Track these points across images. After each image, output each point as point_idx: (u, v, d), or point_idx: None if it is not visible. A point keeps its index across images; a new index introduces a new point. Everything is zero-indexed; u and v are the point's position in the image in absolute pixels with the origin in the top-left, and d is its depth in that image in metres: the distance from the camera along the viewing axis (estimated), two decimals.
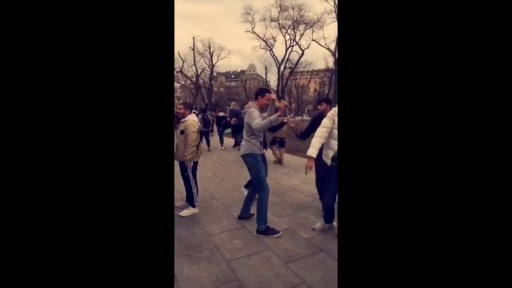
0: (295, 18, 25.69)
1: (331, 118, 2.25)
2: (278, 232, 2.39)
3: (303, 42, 28.30)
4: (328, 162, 2.27)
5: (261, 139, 2.51)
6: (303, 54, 26.73)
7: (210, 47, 29.47)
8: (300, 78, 37.71)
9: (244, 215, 2.71)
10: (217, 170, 4.96)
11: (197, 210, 2.92)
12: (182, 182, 2.89)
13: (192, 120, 2.82)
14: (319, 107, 3.05)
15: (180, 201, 3.14)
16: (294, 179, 4.30)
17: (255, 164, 2.42)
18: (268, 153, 4.26)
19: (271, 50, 27.76)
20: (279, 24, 26.23)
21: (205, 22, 67.04)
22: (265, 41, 27.47)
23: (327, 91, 30.92)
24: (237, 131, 6.86)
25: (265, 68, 31.92)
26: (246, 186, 3.32)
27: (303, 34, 26.46)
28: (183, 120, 2.84)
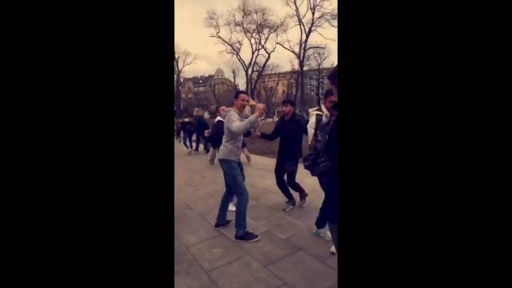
0: (259, 22, 26.20)
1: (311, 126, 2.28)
2: (257, 236, 2.39)
3: (269, 46, 28.82)
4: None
5: (239, 144, 2.52)
6: (269, 57, 27.32)
7: (174, 53, 28.75)
8: (268, 81, 38.38)
9: (221, 222, 2.67)
10: (190, 178, 4.83)
11: None
12: None
13: None
14: (284, 108, 3.12)
15: None
16: (268, 181, 4.33)
17: (230, 171, 2.42)
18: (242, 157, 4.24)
19: (237, 54, 27.94)
20: (243, 28, 26.54)
21: None
22: (231, 45, 27.58)
23: (294, 92, 31.83)
24: (209, 140, 6.88)
25: (233, 72, 32.01)
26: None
27: (267, 38, 27.08)
28: None
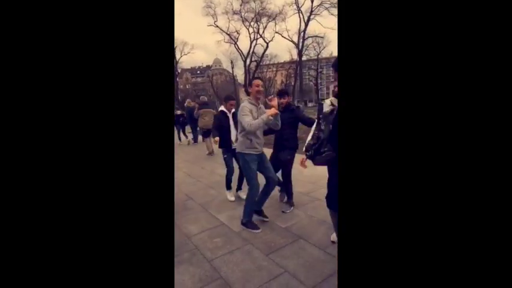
0: (257, 11, 25.68)
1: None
2: (258, 228, 2.41)
3: (267, 35, 28.54)
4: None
5: (253, 136, 2.32)
6: (267, 47, 26.94)
7: (174, 49, 28.34)
8: (266, 71, 37.97)
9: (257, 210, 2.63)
10: (190, 170, 4.85)
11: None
12: None
13: None
14: (282, 100, 2.86)
15: None
16: None
17: (242, 163, 2.40)
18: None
19: (235, 43, 27.52)
20: (241, 17, 26.04)
21: None
22: (229, 35, 27.14)
23: (293, 83, 31.59)
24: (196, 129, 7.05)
25: (231, 62, 31.61)
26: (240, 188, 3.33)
27: (266, 27, 26.64)
28: None
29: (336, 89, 2.06)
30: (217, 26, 26.79)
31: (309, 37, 27.81)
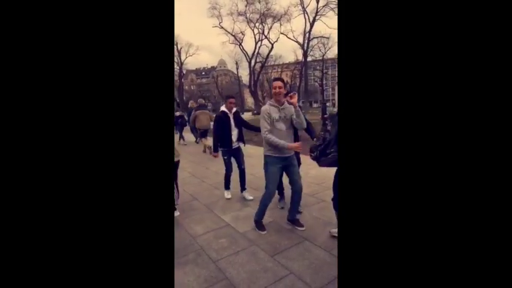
0: (262, 12, 25.70)
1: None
2: (264, 230, 2.40)
3: (272, 36, 28.40)
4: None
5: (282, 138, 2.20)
6: (272, 47, 26.90)
7: (177, 44, 28.54)
8: (271, 72, 37.99)
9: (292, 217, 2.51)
10: (195, 170, 4.86)
11: (178, 213, 2.85)
12: None
13: None
14: (292, 100, 2.75)
15: None
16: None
17: (263, 165, 2.35)
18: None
19: (240, 44, 27.58)
20: (246, 18, 26.09)
21: None
22: (233, 36, 27.20)
23: (298, 83, 31.51)
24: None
25: (236, 63, 31.75)
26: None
27: (271, 27, 26.61)
28: None
29: None
30: (222, 27, 26.91)
31: (314, 38, 27.72)
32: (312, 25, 25.59)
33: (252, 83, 27.45)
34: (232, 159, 3.29)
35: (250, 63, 27.92)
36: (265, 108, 2.25)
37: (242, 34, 27.17)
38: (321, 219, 2.57)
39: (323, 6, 24.60)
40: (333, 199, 1.70)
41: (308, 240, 2.19)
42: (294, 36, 27.22)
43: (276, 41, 26.90)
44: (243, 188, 3.32)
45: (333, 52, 31.24)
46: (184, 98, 30.50)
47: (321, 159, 1.69)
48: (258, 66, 28.81)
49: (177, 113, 8.35)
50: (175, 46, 28.20)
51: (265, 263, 1.91)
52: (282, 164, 2.30)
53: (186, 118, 7.94)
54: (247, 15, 25.97)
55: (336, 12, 24.70)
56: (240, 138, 3.29)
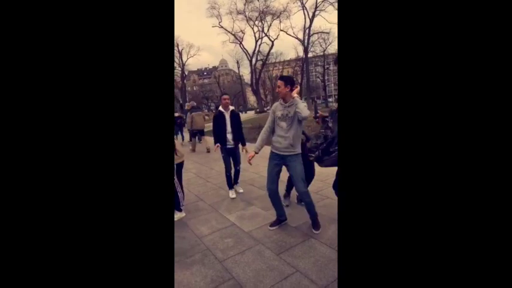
0: (261, 9, 25.56)
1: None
2: (272, 226, 2.44)
3: (272, 33, 28.39)
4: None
5: (277, 137, 2.25)
6: (272, 45, 26.79)
7: (178, 45, 28.60)
8: (272, 70, 37.87)
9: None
10: (199, 171, 4.89)
11: (184, 214, 2.87)
12: None
13: None
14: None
15: None
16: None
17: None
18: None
19: (240, 43, 27.52)
20: (245, 16, 25.99)
21: None
22: (233, 35, 27.15)
23: (300, 80, 31.34)
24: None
25: (237, 62, 31.68)
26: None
27: (270, 25, 26.47)
28: None
29: None
30: (222, 27, 26.86)
31: (314, 33, 27.49)
32: (311, 21, 25.38)
33: (254, 81, 27.39)
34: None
35: (251, 61, 27.86)
36: (273, 105, 2.35)
37: (242, 33, 27.11)
38: (325, 215, 2.57)
39: (322, 1, 24.36)
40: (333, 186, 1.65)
41: (313, 238, 2.19)
42: (294, 33, 27.14)
43: (276, 38, 26.88)
44: (235, 182, 3.42)
45: (333, 47, 30.99)
46: (187, 99, 30.60)
47: (324, 159, 1.67)
48: (259, 64, 28.73)
49: (176, 114, 8.60)
50: (176, 48, 28.26)
51: (271, 262, 1.92)
52: (278, 162, 2.30)
53: (185, 119, 8.22)
54: (247, 13, 25.87)
55: (336, 6, 24.47)
56: (238, 138, 3.30)
